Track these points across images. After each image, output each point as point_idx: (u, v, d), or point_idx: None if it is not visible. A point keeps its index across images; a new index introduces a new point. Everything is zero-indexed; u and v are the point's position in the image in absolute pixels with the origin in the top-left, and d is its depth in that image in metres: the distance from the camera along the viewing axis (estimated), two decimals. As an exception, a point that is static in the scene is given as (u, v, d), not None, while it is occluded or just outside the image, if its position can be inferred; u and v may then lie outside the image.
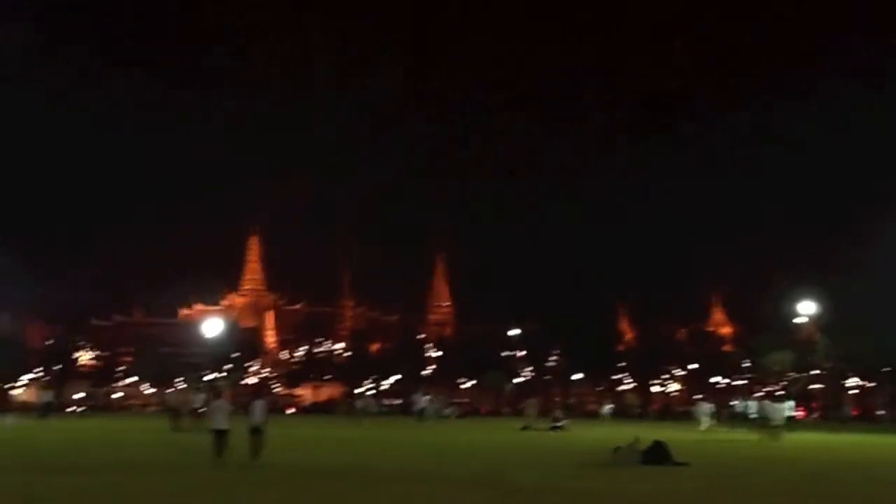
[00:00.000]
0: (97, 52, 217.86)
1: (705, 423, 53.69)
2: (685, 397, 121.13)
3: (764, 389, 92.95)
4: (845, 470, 25.99)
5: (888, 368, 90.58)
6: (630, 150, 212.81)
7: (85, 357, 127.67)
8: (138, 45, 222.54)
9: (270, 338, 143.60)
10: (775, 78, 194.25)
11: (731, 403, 75.88)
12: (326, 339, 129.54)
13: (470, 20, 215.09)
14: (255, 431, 25.65)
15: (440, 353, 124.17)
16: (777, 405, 49.12)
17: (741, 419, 49.05)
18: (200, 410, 43.41)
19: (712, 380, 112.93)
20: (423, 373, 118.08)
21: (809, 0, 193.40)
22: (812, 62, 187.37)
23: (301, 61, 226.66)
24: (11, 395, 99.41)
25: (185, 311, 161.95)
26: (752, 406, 51.61)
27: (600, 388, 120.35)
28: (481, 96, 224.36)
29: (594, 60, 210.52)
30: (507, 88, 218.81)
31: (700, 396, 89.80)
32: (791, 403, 60.58)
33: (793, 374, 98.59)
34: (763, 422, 46.93)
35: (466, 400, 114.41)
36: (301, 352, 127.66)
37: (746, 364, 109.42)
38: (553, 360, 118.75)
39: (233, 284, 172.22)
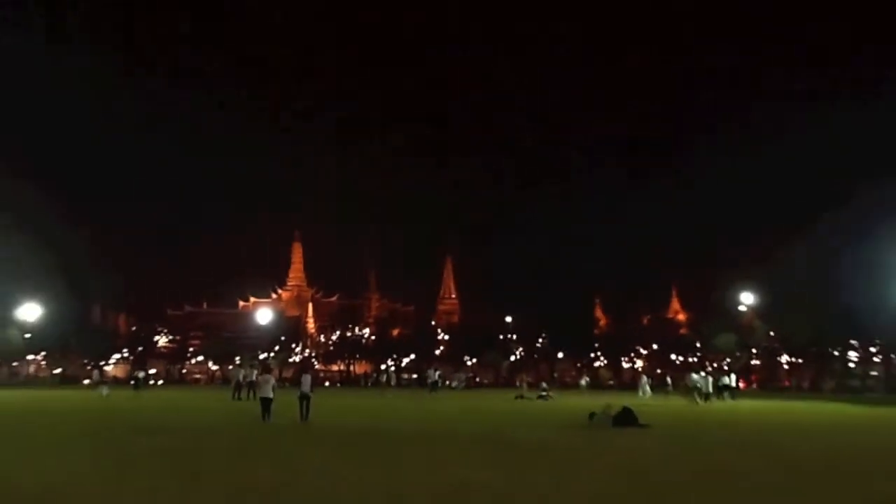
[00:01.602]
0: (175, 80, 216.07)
1: (646, 392, 54.31)
2: (649, 372, 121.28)
3: (712, 365, 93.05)
4: (778, 428, 26.22)
5: (814, 348, 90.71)
6: (605, 164, 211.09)
7: (162, 340, 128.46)
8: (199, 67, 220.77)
9: (311, 325, 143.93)
10: (724, 84, 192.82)
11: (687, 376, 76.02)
12: (356, 326, 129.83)
13: (472, 39, 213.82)
14: (304, 398, 26.33)
15: (448, 337, 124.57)
16: (706, 377, 50.24)
17: (689, 390, 49.54)
18: (253, 382, 43.81)
19: (671, 357, 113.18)
20: (435, 353, 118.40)
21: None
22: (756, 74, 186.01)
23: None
24: (105, 371, 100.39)
25: (242, 303, 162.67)
26: (693, 378, 52.29)
27: (579, 365, 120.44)
28: (484, 114, 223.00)
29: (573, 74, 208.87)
30: (505, 101, 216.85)
31: (641, 371, 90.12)
32: (734, 377, 60.90)
33: (736, 353, 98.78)
34: (695, 391, 48.07)
35: (472, 374, 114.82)
36: (335, 336, 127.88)
37: (698, 345, 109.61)
38: (540, 342, 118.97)
39: (281, 281, 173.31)
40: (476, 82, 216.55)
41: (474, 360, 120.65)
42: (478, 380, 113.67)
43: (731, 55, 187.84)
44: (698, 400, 46.43)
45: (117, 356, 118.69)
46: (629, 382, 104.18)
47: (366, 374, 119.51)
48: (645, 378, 59.85)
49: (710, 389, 48.86)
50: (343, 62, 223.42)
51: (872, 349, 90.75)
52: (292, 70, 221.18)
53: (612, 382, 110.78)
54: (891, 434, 24.98)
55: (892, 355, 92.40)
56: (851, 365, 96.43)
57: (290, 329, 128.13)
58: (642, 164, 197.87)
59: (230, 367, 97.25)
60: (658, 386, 68.88)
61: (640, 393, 54.31)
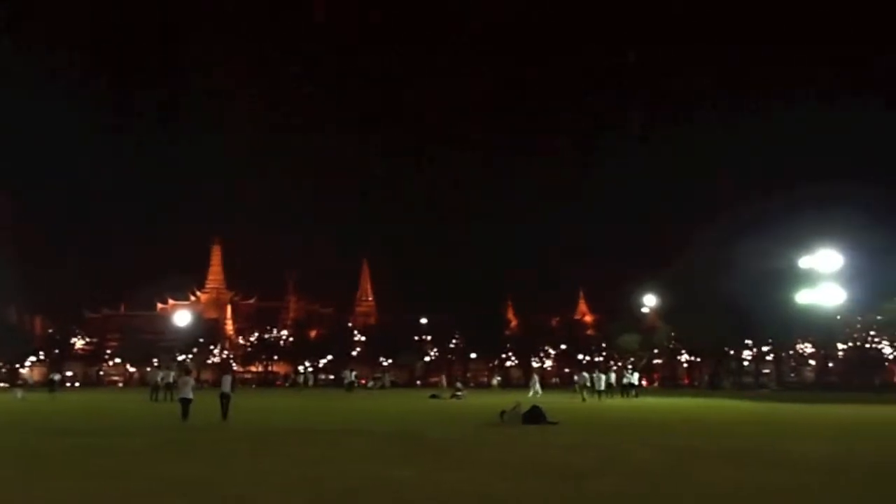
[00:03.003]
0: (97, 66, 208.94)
1: (534, 390, 55.18)
2: (557, 371, 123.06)
3: (617, 364, 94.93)
4: (676, 422, 26.98)
5: (711, 347, 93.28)
6: (510, 167, 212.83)
7: (79, 343, 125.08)
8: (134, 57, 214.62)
9: (229, 326, 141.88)
10: (629, 84, 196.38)
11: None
12: (274, 328, 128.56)
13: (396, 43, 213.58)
14: (225, 398, 26.19)
15: (364, 338, 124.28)
16: (599, 375, 51.81)
17: (591, 388, 50.83)
18: (172, 384, 43.09)
19: (578, 357, 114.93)
20: (352, 354, 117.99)
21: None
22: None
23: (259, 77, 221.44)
24: (20, 373, 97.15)
25: (161, 305, 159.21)
26: (583, 377, 53.75)
27: (491, 365, 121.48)
28: (400, 116, 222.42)
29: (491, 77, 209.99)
30: (421, 104, 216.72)
31: (533, 371, 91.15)
32: (638, 375, 62.31)
33: (639, 352, 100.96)
34: (584, 388, 49.61)
35: (380, 374, 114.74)
36: (253, 338, 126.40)
37: (604, 345, 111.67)
38: (454, 343, 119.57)
39: (199, 283, 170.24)
40: (400, 85, 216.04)
41: (390, 361, 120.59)
42: (394, 380, 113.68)
43: (644, 55, 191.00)
44: (585, 396, 48.00)
45: (33, 358, 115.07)
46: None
47: (284, 375, 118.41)
48: (536, 377, 61.10)
49: (603, 387, 50.32)
50: (267, 66, 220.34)
51: (765, 348, 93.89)
52: (212, 71, 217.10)
53: (523, 381, 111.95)
54: (774, 426, 25.92)
55: (783, 354, 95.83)
56: (746, 363, 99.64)
57: (208, 331, 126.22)
58: (552, 167, 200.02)
59: (148, 369, 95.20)
60: (567, 384, 70.00)
61: (531, 392, 54.93)
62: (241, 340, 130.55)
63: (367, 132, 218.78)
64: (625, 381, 55.91)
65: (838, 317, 74.35)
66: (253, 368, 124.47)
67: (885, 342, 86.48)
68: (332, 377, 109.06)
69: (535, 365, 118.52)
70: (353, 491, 11.39)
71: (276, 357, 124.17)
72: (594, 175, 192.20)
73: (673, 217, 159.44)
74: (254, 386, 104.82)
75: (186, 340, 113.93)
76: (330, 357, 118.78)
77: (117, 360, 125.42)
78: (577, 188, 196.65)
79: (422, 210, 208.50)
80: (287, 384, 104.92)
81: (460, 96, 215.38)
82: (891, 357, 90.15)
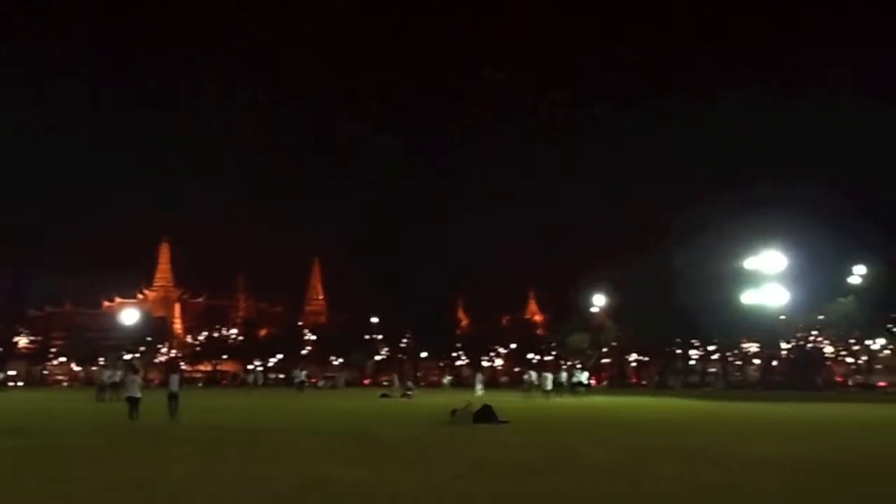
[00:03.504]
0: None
1: (479, 389, 55.45)
2: (507, 370, 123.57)
3: (567, 363, 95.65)
4: (624, 421, 27.29)
5: (659, 347, 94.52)
6: (462, 168, 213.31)
7: (23, 341, 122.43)
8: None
9: (177, 325, 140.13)
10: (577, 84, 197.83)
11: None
12: (223, 326, 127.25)
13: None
14: (173, 397, 25.97)
15: (315, 337, 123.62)
16: (548, 375, 52.49)
17: (529, 386, 51.51)
18: (118, 383, 42.43)
19: (528, 356, 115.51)
20: (302, 353, 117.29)
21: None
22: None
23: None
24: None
25: (107, 303, 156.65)
26: (531, 375, 54.30)
27: (442, 364, 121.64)
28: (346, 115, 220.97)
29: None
30: (367, 105, 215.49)
31: (477, 370, 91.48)
32: (587, 374, 62.93)
33: (589, 352, 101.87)
34: (532, 387, 50.20)
35: (336, 374, 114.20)
36: (202, 336, 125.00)
37: (553, 344, 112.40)
38: (405, 342, 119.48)
39: (147, 281, 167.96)
40: (344, 85, 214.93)
41: (340, 360, 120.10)
42: (348, 380, 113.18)
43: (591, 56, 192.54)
44: (534, 395, 48.47)
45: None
46: (489, 381, 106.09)
47: (233, 374, 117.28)
48: (480, 376, 61.71)
49: (550, 386, 50.86)
50: (218, 65, 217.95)
51: (711, 348, 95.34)
52: (164, 69, 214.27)
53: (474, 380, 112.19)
54: (720, 425, 26.35)
55: (728, 355, 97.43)
56: (692, 363, 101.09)
57: (156, 329, 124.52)
58: (504, 168, 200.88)
59: (94, 368, 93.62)
60: (517, 384, 70.34)
61: (476, 390, 55.21)
62: (189, 339, 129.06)
63: (319, 131, 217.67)
64: (574, 380, 56.39)
65: (782, 317, 75.76)
66: (201, 367, 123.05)
67: (826, 342, 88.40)
68: (281, 376, 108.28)
69: (484, 364, 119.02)
70: (304, 491, 11.33)
71: (224, 356, 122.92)
72: (545, 176, 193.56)
73: (622, 218, 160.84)
74: (200, 385, 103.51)
75: (133, 339, 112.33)
76: (280, 356, 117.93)
77: (62, 359, 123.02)
78: (529, 189, 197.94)
79: (373, 209, 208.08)
80: (235, 383, 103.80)
81: (413, 94, 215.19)
82: (832, 357, 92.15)
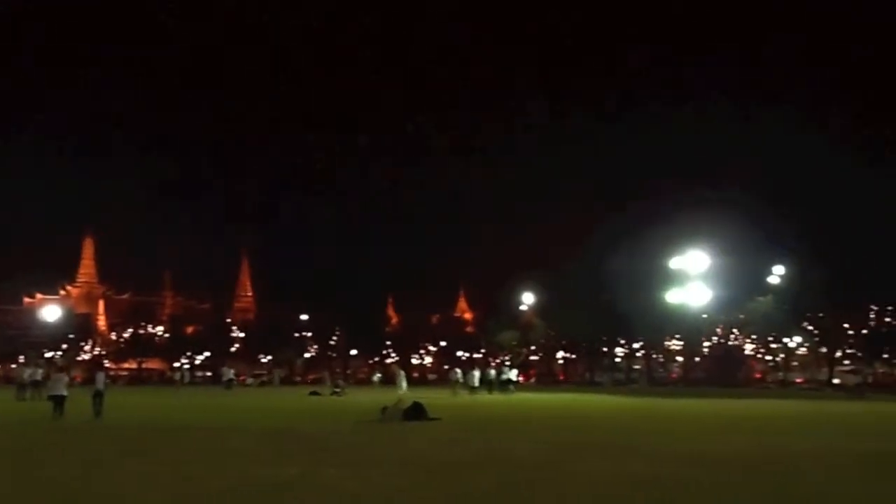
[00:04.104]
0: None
1: (402, 386, 55.35)
2: (436, 368, 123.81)
3: (496, 361, 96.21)
4: (555, 417, 27.60)
5: (585, 344, 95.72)
6: (392, 166, 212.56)
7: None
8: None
9: (101, 322, 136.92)
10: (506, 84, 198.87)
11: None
12: (149, 324, 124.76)
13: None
14: (98, 395, 25.45)
15: (243, 335, 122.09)
16: (475, 372, 52.99)
17: (453, 383, 51.98)
18: (40, 382, 41.30)
19: (458, 354, 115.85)
20: (230, 350, 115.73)
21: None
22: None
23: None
24: None
25: (28, 300, 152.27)
26: (456, 373, 54.63)
27: (372, 361, 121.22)
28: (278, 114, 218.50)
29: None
30: (299, 104, 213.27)
31: (398, 366, 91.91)
32: (516, 371, 63.45)
33: (517, 349, 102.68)
34: (457, 384, 50.61)
35: (264, 371, 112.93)
36: (127, 334, 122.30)
37: (483, 341, 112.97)
38: (335, 340, 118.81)
39: (70, 277, 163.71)
40: (268, 85, 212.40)
41: (269, 358, 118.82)
42: (283, 377, 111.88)
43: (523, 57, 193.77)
44: (460, 392, 48.80)
45: None
46: (419, 378, 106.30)
47: (159, 372, 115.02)
48: (402, 373, 61.56)
49: (476, 383, 51.34)
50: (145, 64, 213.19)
51: (636, 345, 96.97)
52: (88, 66, 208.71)
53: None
54: (645, 421, 26.83)
55: (653, 352, 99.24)
56: (618, 360, 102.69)
57: (79, 326, 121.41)
58: (425, 165, 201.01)
59: (13, 365, 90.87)
60: (447, 381, 70.37)
61: (399, 388, 55.07)
62: (113, 336, 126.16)
63: (245, 128, 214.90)
64: (503, 377, 56.80)
65: (704, 315, 77.43)
66: (126, 365, 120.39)
67: (746, 340, 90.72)
68: (209, 374, 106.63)
69: (414, 362, 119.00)
70: (233, 491, 11.18)
71: (150, 354, 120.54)
72: (475, 175, 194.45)
73: (551, 217, 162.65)
74: (121, 383, 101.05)
75: (55, 336, 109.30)
76: (207, 354, 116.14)
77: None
78: (457, 188, 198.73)
79: (302, 206, 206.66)
80: (161, 381, 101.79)
81: (343, 91, 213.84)
82: (751, 354, 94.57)
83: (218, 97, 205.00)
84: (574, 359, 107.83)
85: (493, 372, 59.43)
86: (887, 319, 78.77)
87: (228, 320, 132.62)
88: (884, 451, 16.71)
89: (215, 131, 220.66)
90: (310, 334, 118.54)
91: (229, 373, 66.94)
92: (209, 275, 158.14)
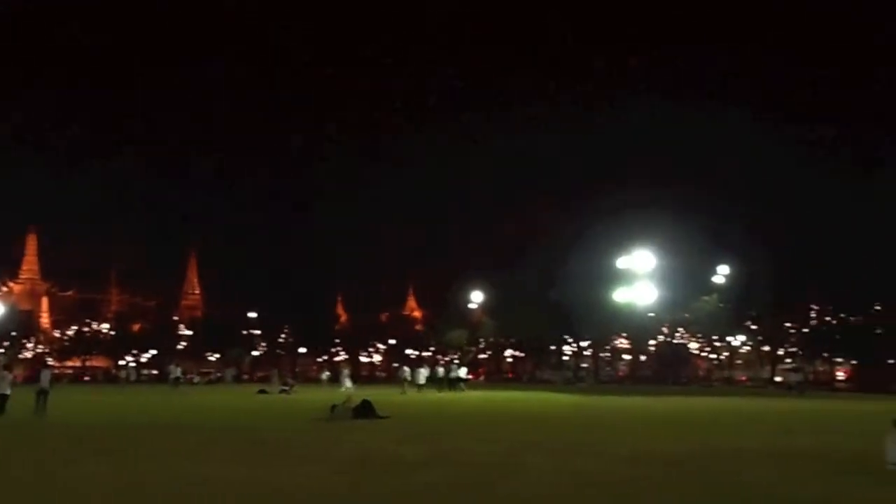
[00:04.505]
0: None
1: (347, 384, 55.37)
2: (386, 366, 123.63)
3: (445, 359, 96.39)
4: (503, 415, 27.75)
5: (534, 342, 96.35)
6: (341, 164, 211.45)
7: None
8: None
9: (45, 319, 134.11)
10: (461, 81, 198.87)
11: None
12: (94, 321, 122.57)
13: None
14: (42, 393, 25.04)
15: (191, 332, 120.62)
16: (421, 370, 53.37)
17: (400, 381, 52.24)
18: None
19: (407, 352, 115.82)
20: (177, 348, 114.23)
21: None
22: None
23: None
24: None
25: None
26: (404, 371, 54.72)
27: (320, 360, 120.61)
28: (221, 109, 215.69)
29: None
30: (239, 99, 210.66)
31: (343, 365, 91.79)
32: (465, 369, 63.58)
33: (466, 347, 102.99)
34: (405, 382, 50.78)
35: (212, 370, 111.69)
36: (71, 331, 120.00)
37: (432, 340, 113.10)
38: (283, 337, 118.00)
39: (12, 273, 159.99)
40: (218, 86, 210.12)
41: (217, 356, 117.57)
42: (235, 375, 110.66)
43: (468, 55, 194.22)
44: (408, 390, 48.93)
45: None
46: (368, 376, 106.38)
47: (104, 371, 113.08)
48: (346, 371, 61.74)
49: (422, 381, 51.66)
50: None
51: (584, 344, 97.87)
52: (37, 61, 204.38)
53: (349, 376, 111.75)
54: (591, 418, 27.14)
55: (600, 351, 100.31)
56: (566, 358, 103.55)
57: (21, 324, 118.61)
58: (377, 165, 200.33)
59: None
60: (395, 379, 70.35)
61: (343, 386, 55.01)
62: (57, 334, 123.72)
63: (194, 125, 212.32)
64: (452, 375, 56.90)
65: (651, 314, 78.42)
66: (71, 363, 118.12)
67: (691, 339, 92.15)
68: (155, 373, 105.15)
69: (363, 360, 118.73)
70: (180, 491, 11.06)
71: (95, 351, 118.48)
72: (425, 174, 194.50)
73: (499, 217, 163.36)
74: (65, 381, 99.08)
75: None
76: (154, 352, 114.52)
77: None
78: (408, 186, 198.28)
79: (251, 203, 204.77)
80: (106, 379, 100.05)
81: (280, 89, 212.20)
82: (696, 353, 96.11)
83: (168, 94, 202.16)
84: (523, 357, 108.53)
85: (442, 370, 59.52)
86: (827, 319, 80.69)
87: (175, 318, 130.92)
88: (822, 447, 17.12)
89: (163, 128, 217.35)
90: (258, 332, 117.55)
91: (176, 371, 66.01)
92: (156, 272, 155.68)
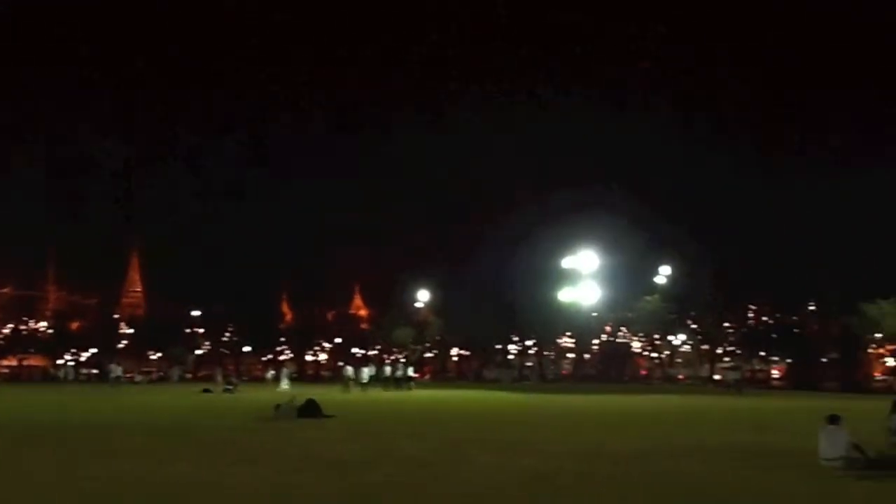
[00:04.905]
0: None
1: (284, 383, 55.10)
2: (332, 365, 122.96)
3: (391, 358, 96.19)
4: (448, 413, 27.82)
5: (479, 341, 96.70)
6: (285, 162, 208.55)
7: None
8: None
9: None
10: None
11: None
12: (31, 318, 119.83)
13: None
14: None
15: (132, 331, 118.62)
16: (364, 369, 53.53)
17: (344, 380, 52.26)
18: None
19: (353, 351, 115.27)
20: (118, 346, 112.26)
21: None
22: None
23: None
24: None
25: None
26: (347, 370, 54.69)
27: (265, 358, 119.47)
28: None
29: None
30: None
31: (282, 364, 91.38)
32: (411, 368, 63.59)
33: (413, 346, 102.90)
34: (349, 381, 50.85)
35: (154, 368, 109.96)
36: (7, 329, 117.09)
37: (378, 338, 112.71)
38: (227, 336, 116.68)
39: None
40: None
41: (159, 355, 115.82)
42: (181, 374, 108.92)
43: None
44: (352, 389, 48.90)
45: None
46: (313, 375, 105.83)
47: (42, 370, 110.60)
48: (285, 370, 61.55)
49: (366, 380, 51.74)
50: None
51: (529, 343, 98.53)
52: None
53: (296, 375, 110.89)
54: (535, 417, 27.37)
55: (545, 350, 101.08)
56: (511, 357, 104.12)
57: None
58: (331, 164, 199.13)
59: None
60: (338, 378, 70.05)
61: (281, 386, 54.71)
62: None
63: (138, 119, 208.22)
64: (398, 374, 56.86)
65: (595, 314, 79.23)
66: (7, 362, 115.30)
67: (633, 338, 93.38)
68: (95, 372, 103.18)
69: (308, 359, 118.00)
70: (123, 490, 10.92)
71: (32, 350, 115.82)
72: (371, 173, 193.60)
73: (447, 216, 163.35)
74: (0, 381, 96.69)
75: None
76: (94, 350, 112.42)
77: None
78: (354, 184, 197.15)
79: (194, 199, 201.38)
80: (44, 379, 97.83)
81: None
82: (638, 351, 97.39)
83: (109, 82, 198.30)
84: (469, 356, 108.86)
85: (388, 369, 59.44)
86: (764, 318, 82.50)
87: (116, 316, 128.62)
88: (759, 443, 17.51)
89: (103, 121, 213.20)
90: (201, 330, 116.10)
91: (117, 370, 64.86)
92: (97, 269, 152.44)
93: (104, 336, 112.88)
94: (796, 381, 71.59)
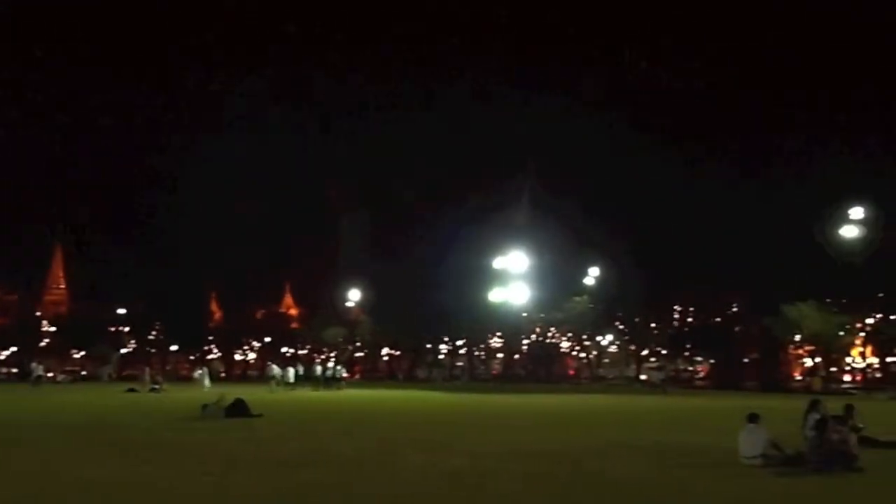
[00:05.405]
0: None
1: (206, 383, 54.60)
2: (261, 364, 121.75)
3: (321, 357, 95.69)
4: (378, 413, 27.79)
5: (410, 341, 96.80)
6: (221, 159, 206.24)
7: None
8: None
9: None
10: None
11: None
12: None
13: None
14: None
15: (55, 329, 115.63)
16: (290, 368, 53.61)
17: (268, 379, 52.05)
18: None
19: (283, 350, 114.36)
20: (40, 345, 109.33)
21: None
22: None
23: None
24: None
25: None
26: (272, 369, 54.49)
27: (193, 357, 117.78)
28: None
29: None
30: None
31: (203, 363, 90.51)
32: (342, 368, 63.35)
33: (343, 346, 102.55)
34: (273, 380, 50.76)
35: (77, 367, 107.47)
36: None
37: (309, 337, 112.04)
38: (154, 334, 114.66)
39: None
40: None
41: (83, 353, 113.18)
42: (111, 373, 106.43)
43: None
44: (277, 389, 48.76)
45: None
46: (241, 374, 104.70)
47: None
48: (206, 369, 61.07)
49: (292, 379, 51.68)
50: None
51: (459, 342, 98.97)
52: None
53: (223, 374, 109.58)
54: (462, 416, 27.53)
55: (475, 349, 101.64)
56: (441, 357, 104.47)
57: None
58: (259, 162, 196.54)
59: None
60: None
61: (203, 385, 54.17)
62: None
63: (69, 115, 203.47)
64: (329, 373, 56.57)
65: (524, 314, 79.95)
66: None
67: (562, 338, 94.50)
68: (15, 371, 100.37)
69: (237, 357, 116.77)
70: (43, 492, 10.66)
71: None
72: (301, 172, 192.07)
73: (376, 215, 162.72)
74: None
75: None
76: (14, 349, 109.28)
77: None
78: (285, 183, 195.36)
79: (119, 194, 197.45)
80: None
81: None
82: (567, 351, 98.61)
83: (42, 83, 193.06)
84: (399, 355, 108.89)
85: (319, 368, 59.08)
86: (689, 319, 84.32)
87: (38, 314, 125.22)
88: (682, 442, 17.92)
89: (39, 112, 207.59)
90: (127, 329, 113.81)
91: (38, 369, 63.10)
92: (18, 265, 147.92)
93: (25, 334, 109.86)
94: (719, 380, 73.27)
